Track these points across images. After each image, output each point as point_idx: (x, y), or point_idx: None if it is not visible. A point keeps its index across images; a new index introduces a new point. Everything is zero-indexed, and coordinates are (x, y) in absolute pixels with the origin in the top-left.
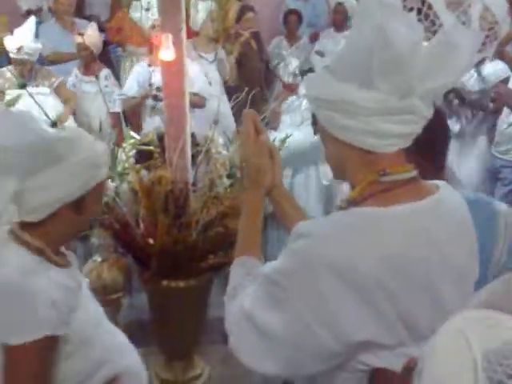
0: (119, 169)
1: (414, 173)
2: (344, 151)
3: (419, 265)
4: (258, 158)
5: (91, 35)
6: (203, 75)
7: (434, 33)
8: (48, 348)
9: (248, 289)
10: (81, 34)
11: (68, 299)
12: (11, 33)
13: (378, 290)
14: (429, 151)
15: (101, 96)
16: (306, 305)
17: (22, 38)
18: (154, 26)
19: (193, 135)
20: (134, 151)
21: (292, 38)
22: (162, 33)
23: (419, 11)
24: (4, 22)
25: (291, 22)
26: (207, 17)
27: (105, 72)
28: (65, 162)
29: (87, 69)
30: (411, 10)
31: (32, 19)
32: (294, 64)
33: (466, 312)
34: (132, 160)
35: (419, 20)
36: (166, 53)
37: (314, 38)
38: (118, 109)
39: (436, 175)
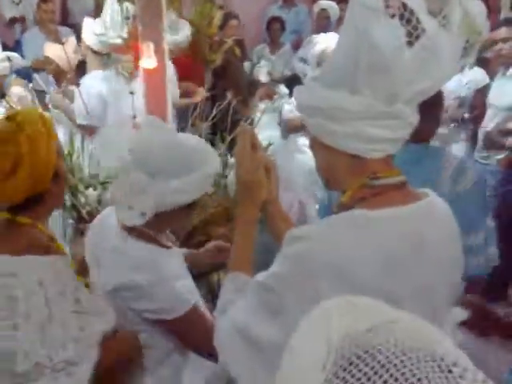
0: (101, 178)
1: (403, 177)
2: (333, 158)
3: (414, 265)
4: (254, 174)
5: (63, 48)
6: None
7: (417, 38)
8: (197, 310)
9: (239, 303)
10: (62, 43)
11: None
12: None
13: (374, 291)
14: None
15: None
16: (303, 310)
17: None
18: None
19: None
20: None
21: (275, 45)
22: (143, 42)
23: (401, 16)
24: None
25: (274, 29)
26: None
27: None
28: (196, 173)
29: (57, 83)
30: (393, 16)
31: None
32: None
33: (344, 297)
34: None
35: (401, 25)
36: (148, 61)
37: (296, 44)
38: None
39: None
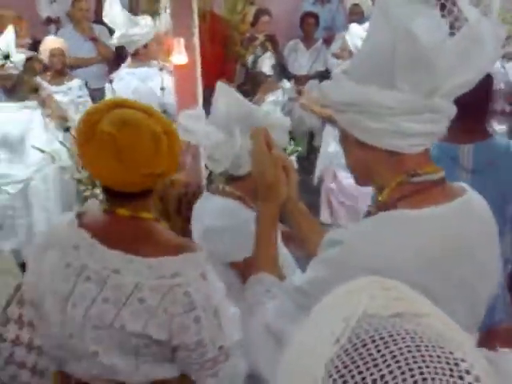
0: None
1: (443, 173)
2: (368, 154)
3: (455, 264)
4: (272, 172)
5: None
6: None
7: (458, 28)
8: None
9: (269, 305)
10: (93, 40)
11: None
12: (31, 39)
13: (419, 292)
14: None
15: (72, 106)
16: None
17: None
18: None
19: None
20: None
21: (309, 40)
22: (173, 37)
23: (442, 6)
24: (24, 28)
25: (308, 24)
26: None
27: (78, 82)
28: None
29: (56, 77)
30: (434, 5)
31: (10, 29)
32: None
33: (378, 278)
34: None
35: (443, 16)
36: (179, 57)
37: (328, 40)
38: None
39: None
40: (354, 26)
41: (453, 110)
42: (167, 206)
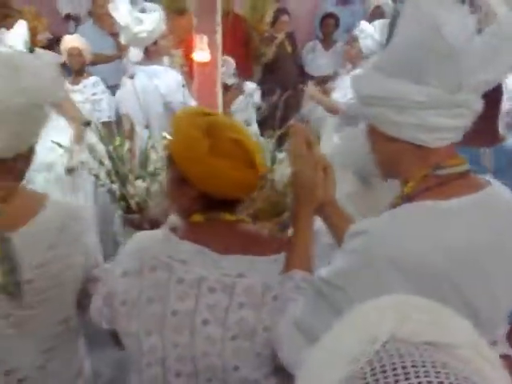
0: (150, 169)
1: (467, 166)
2: (395, 148)
3: (481, 255)
4: (311, 173)
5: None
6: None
7: (487, 25)
8: None
9: (299, 302)
10: (114, 35)
11: None
12: (51, 34)
13: (443, 283)
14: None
15: (88, 105)
16: None
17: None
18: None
19: None
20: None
21: (328, 42)
22: (196, 34)
23: (471, 3)
24: (43, 24)
25: (328, 25)
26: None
27: (93, 79)
28: None
29: (76, 77)
30: (463, 1)
31: (22, 24)
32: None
33: (411, 297)
34: (163, 160)
35: (472, 12)
36: (201, 54)
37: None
38: (106, 118)
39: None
40: (363, 24)
41: (479, 105)
42: None
